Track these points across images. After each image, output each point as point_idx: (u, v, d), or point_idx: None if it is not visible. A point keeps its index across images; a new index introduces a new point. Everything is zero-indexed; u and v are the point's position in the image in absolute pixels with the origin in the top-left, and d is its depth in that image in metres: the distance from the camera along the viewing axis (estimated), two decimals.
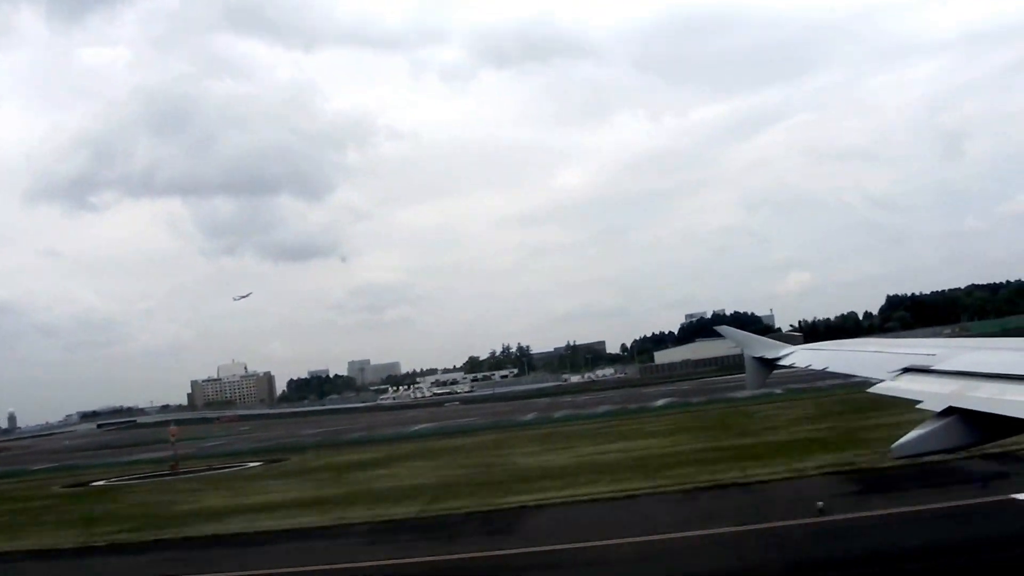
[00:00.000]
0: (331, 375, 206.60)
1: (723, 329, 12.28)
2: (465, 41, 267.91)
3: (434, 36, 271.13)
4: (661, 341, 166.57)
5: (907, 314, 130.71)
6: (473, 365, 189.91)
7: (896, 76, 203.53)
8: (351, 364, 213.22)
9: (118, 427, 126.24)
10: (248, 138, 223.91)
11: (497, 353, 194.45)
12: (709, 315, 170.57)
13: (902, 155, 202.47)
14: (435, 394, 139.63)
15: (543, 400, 76.89)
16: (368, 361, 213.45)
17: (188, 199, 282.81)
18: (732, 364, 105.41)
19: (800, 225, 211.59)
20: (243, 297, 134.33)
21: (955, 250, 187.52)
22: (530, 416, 51.72)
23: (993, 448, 14.75)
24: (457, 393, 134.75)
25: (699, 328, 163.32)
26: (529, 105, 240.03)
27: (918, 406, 5.26)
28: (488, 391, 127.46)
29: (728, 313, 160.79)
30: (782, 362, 9.66)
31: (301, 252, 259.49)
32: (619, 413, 46.02)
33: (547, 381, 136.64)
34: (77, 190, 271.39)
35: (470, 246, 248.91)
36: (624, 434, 32.42)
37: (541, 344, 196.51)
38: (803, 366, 9.14)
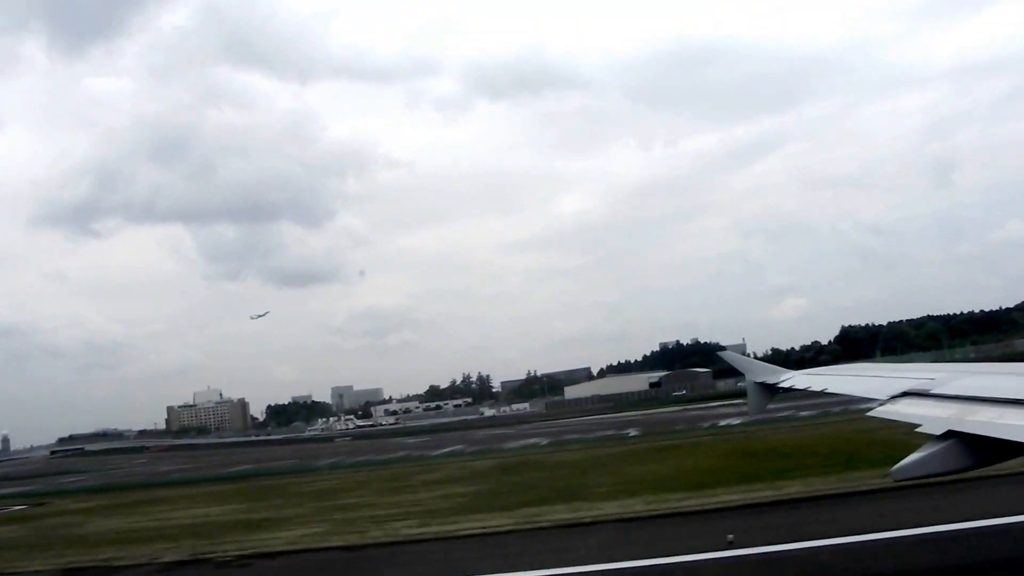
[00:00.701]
0: (311, 401, 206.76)
1: (725, 354, 12.65)
2: (458, 73, 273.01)
3: (427, 69, 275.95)
4: (626, 369, 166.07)
5: (839, 347, 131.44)
6: (434, 394, 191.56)
7: (891, 106, 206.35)
8: (334, 390, 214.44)
9: (65, 454, 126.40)
10: (248, 165, 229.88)
11: (457, 382, 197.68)
12: (671, 344, 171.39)
13: (896, 184, 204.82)
14: (358, 427, 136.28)
15: (396, 440, 74.35)
16: (351, 387, 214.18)
17: (190, 225, 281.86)
18: (630, 401, 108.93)
19: (793, 252, 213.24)
20: (260, 316, 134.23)
21: (946, 278, 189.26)
22: (332, 460, 50.38)
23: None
24: (379, 426, 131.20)
25: (662, 357, 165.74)
26: (524, 135, 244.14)
27: (917, 429, 5.47)
28: (401, 425, 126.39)
29: (695, 342, 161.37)
30: (782, 385, 9.93)
31: (302, 277, 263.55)
32: (395, 461, 44.38)
33: (479, 413, 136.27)
34: (81, 216, 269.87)
35: (468, 272, 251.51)
36: (276, 494, 30.53)
37: (523, 370, 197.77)
38: (802, 388, 9.40)
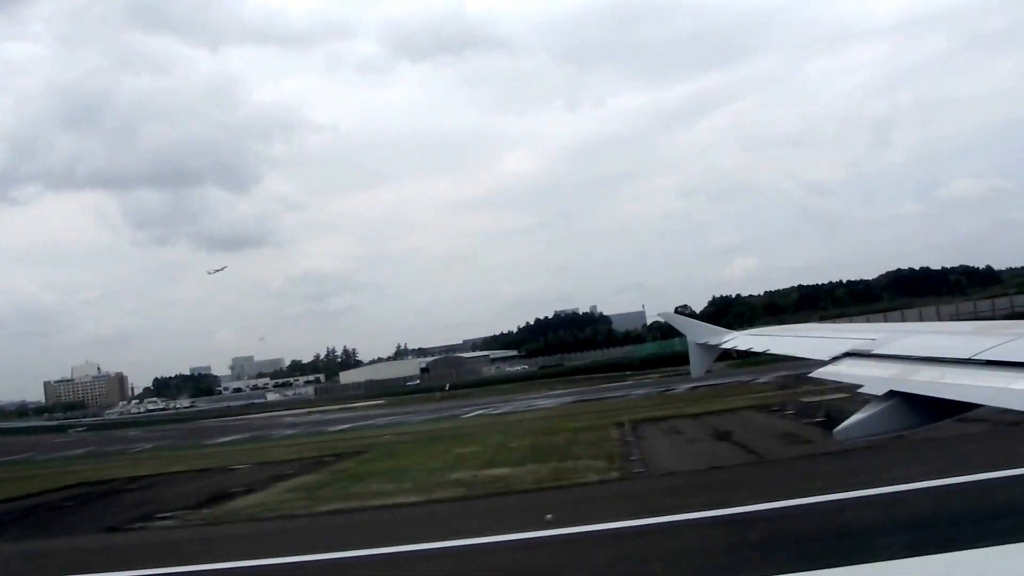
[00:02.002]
0: (200, 373, 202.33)
1: (667, 316, 12.94)
2: (376, 36, 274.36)
3: (343, 31, 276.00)
4: (506, 344, 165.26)
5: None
6: (295, 368, 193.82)
7: (835, 62, 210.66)
8: (234, 360, 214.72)
9: None
10: (169, 131, 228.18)
11: (321, 356, 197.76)
12: (546, 316, 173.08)
13: (840, 142, 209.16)
14: (148, 411, 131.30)
15: (115, 434, 72.91)
16: (251, 357, 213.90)
17: (112, 192, 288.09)
18: (394, 389, 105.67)
19: (740, 212, 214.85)
20: (218, 271, 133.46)
21: (892, 237, 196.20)
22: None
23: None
24: (157, 412, 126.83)
25: (535, 329, 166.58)
26: (451, 97, 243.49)
27: (860, 390, 5.70)
28: (175, 411, 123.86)
29: (569, 311, 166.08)
30: (724, 346, 10.23)
31: (233, 242, 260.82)
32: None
33: (263, 397, 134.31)
34: None
35: (409, 234, 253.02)
36: None
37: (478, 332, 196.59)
38: (744, 349, 9.70)
